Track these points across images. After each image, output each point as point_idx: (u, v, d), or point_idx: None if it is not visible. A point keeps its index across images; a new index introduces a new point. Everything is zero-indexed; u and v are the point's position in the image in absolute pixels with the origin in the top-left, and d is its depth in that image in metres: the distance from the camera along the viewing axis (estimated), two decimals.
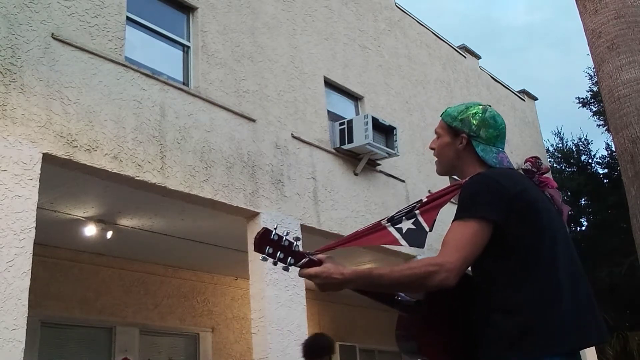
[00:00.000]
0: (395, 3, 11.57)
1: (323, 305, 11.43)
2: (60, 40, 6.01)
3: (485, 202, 2.00)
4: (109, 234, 7.81)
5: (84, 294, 8.50)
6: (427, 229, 2.19)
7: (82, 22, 6.29)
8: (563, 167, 21.98)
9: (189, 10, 7.65)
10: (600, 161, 21.45)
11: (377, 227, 2.28)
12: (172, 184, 6.50)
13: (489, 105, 2.34)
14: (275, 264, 2.04)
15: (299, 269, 2.04)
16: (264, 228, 2.03)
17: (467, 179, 2.14)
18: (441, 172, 2.34)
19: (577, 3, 9.39)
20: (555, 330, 1.92)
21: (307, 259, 2.05)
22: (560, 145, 22.19)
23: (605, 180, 20.93)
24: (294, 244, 2.06)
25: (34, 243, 5.29)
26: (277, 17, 8.74)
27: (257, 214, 7.29)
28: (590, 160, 21.76)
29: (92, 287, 8.61)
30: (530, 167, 2.24)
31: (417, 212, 2.24)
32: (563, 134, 26.46)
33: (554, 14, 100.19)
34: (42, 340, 7.89)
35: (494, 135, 2.24)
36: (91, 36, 6.32)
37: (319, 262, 2.05)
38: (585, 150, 21.80)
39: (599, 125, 21.09)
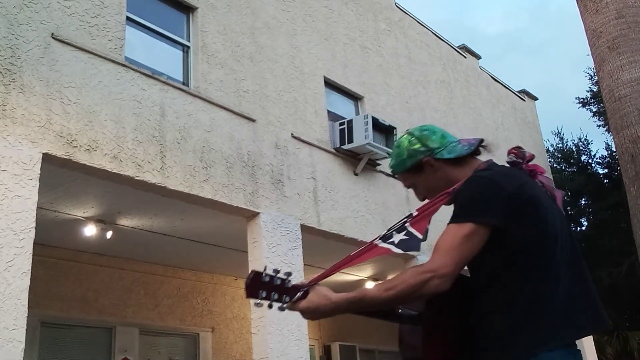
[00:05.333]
0: (395, 3, 11.56)
1: None
2: (60, 40, 6.01)
3: (482, 204, 1.95)
4: (109, 234, 7.81)
5: (83, 294, 8.50)
6: (420, 237, 2.13)
7: (82, 22, 6.29)
8: (563, 167, 21.97)
9: (189, 10, 7.65)
10: (600, 161, 21.45)
11: (370, 246, 2.23)
12: (172, 184, 6.50)
13: (407, 130, 2.31)
14: (270, 306, 1.98)
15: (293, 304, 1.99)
16: (253, 272, 1.95)
17: (457, 185, 2.07)
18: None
19: (577, 3, 9.40)
20: (550, 324, 1.89)
21: (302, 292, 1.99)
22: (560, 145, 22.19)
23: (605, 180, 20.92)
24: (286, 280, 1.99)
25: (34, 243, 5.29)
26: (277, 17, 8.73)
27: (257, 214, 7.29)
28: (590, 160, 21.76)
29: (92, 287, 8.60)
30: (515, 159, 2.16)
31: (407, 225, 2.18)
32: (563, 134, 26.49)
33: (529, 23, 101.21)
34: (41, 340, 7.88)
35: (440, 137, 2.21)
36: (91, 36, 6.31)
37: None
38: (585, 151, 21.79)
39: (599, 126, 21.09)
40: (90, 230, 7.64)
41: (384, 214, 9.15)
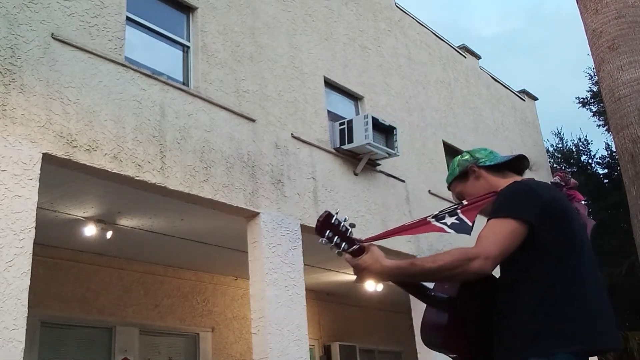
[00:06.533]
0: (395, 3, 11.56)
1: (323, 305, 11.43)
2: (60, 40, 6.01)
3: (522, 204, 2.12)
4: (109, 234, 7.81)
5: (83, 294, 8.50)
6: (470, 224, 2.37)
7: (82, 22, 6.28)
8: (563, 168, 21.96)
9: (189, 10, 7.65)
10: (600, 161, 21.43)
11: (423, 222, 2.45)
12: (172, 184, 6.49)
13: None
14: (332, 248, 2.09)
15: (344, 254, 2.12)
16: (326, 211, 2.10)
17: (503, 187, 2.29)
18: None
19: (577, 3, 9.40)
20: (572, 330, 2.01)
21: (357, 246, 2.11)
22: (560, 145, 22.17)
23: (605, 181, 20.91)
24: (350, 230, 2.12)
25: (34, 243, 5.29)
26: (277, 17, 8.73)
27: (257, 214, 7.29)
28: (590, 161, 21.74)
29: (91, 287, 8.61)
30: (559, 181, 2.42)
31: (458, 211, 2.41)
32: (563, 134, 26.46)
33: (525, 24, 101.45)
34: (42, 340, 7.89)
35: (487, 152, 2.52)
36: (91, 36, 6.31)
37: (365, 251, 2.13)
38: (585, 151, 21.77)
39: (599, 126, 21.06)
40: (90, 230, 7.64)
41: (384, 214, 9.15)
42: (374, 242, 2.22)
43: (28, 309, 5.05)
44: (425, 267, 2.06)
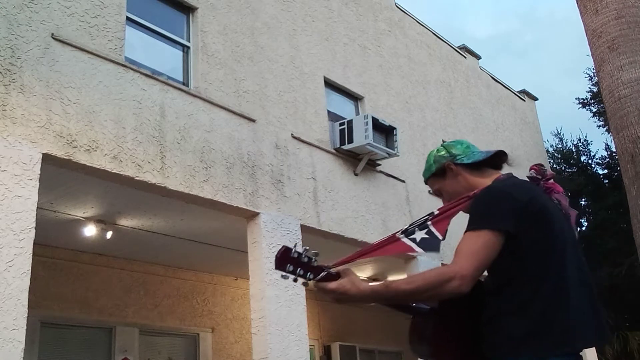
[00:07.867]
0: (395, 3, 11.56)
1: (323, 305, 11.42)
2: (60, 41, 6.01)
3: (496, 213, 2.07)
4: (109, 234, 7.80)
5: (84, 294, 8.50)
6: (440, 237, 2.30)
7: (82, 22, 6.28)
8: (563, 168, 21.95)
9: (189, 10, 7.65)
10: (600, 162, 21.42)
11: (392, 239, 2.38)
12: (172, 184, 6.49)
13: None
14: (295, 280, 2.08)
15: (316, 282, 2.09)
16: (283, 247, 2.08)
17: (477, 190, 2.24)
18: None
19: (577, 3, 9.39)
20: (561, 331, 1.99)
21: (325, 272, 2.08)
22: (560, 145, 22.16)
23: (605, 181, 20.90)
24: (313, 259, 2.09)
25: (34, 243, 5.29)
26: (277, 17, 8.73)
27: (257, 214, 7.29)
28: (590, 161, 21.73)
29: (92, 287, 8.60)
30: (534, 175, 2.33)
31: (429, 223, 2.34)
32: (563, 134, 26.43)
33: (518, 26, 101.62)
34: (41, 340, 7.88)
35: (464, 147, 2.43)
36: (91, 36, 6.31)
37: (337, 276, 2.09)
38: (585, 151, 21.76)
39: (599, 126, 21.06)
40: (90, 230, 7.64)
41: (384, 214, 9.14)
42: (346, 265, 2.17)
43: (28, 309, 5.06)
44: (400, 289, 2.04)
